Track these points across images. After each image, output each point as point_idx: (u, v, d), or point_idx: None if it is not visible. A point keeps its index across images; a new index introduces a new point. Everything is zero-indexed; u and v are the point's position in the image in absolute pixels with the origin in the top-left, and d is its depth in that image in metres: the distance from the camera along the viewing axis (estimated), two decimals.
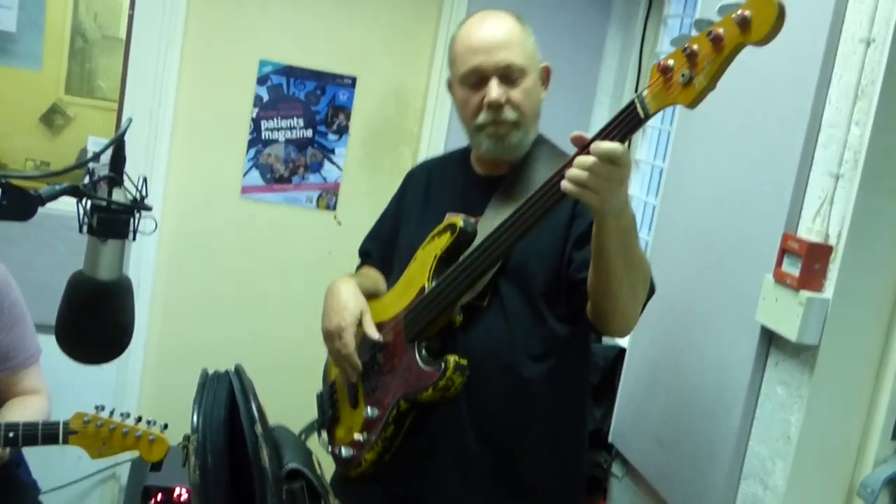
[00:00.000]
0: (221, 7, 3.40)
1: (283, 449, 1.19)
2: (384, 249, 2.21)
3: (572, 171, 1.56)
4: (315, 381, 2.26)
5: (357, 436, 1.96)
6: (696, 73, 1.41)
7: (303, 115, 3.51)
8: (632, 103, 1.53)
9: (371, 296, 2.11)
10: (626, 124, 1.55)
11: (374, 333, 1.96)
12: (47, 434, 2.13)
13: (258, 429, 1.17)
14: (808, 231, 1.88)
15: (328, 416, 2.14)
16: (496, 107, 1.89)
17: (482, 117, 1.92)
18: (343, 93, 3.53)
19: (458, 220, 1.89)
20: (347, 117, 3.55)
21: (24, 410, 2.30)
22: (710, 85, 1.41)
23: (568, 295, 1.90)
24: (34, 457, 2.53)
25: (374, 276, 2.21)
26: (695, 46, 1.40)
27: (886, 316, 1.84)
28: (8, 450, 2.16)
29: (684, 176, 2.46)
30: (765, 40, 1.35)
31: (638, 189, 3.32)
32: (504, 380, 1.90)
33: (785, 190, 1.95)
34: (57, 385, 2.70)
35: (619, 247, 1.69)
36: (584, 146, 1.57)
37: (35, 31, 3.24)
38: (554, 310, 1.92)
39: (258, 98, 3.47)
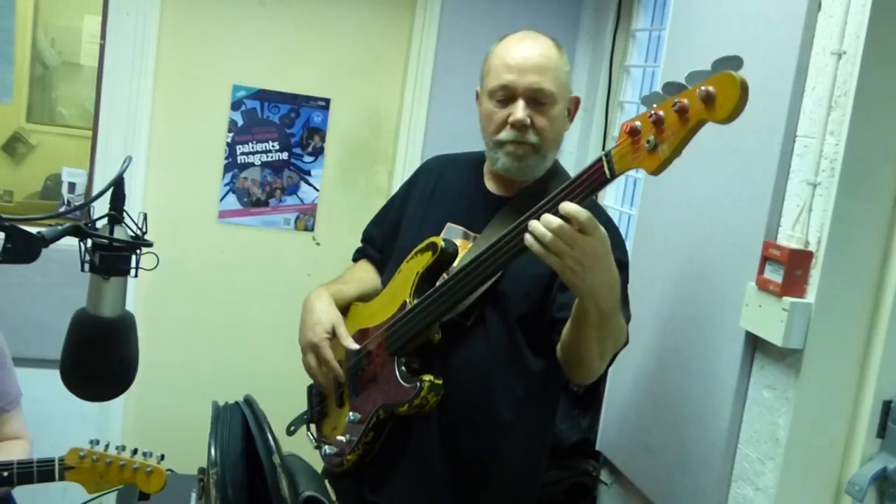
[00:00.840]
0: (193, 34, 3.41)
1: (296, 477, 1.21)
2: (386, 236, 2.22)
3: (536, 227, 1.57)
4: (297, 405, 2.28)
5: (340, 437, 2.01)
6: (660, 140, 1.43)
7: (278, 138, 3.53)
8: (599, 161, 1.55)
9: (360, 298, 2.15)
10: (591, 182, 1.57)
11: (350, 344, 2.00)
12: (43, 471, 2.13)
13: (276, 459, 1.18)
14: (789, 238, 1.93)
15: (317, 411, 2.18)
16: (520, 127, 1.89)
17: (504, 134, 1.91)
18: (317, 115, 3.55)
19: (440, 240, 1.90)
20: (322, 139, 3.57)
21: (6, 457, 2.28)
22: (674, 155, 1.43)
23: (548, 330, 1.93)
24: (18, 490, 2.52)
25: (362, 278, 2.22)
26: (661, 113, 1.42)
27: (867, 317, 1.89)
28: None
29: (662, 187, 2.51)
30: (728, 119, 1.36)
31: (613, 199, 3.37)
32: (478, 403, 1.94)
33: (763, 199, 2.01)
34: (40, 417, 2.69)
35: (596, 328, 1.72)
36: (549, 200, 1.59)
37: (5, 65, 3.22)
38: (530, 341, 1.95)
39: (233, 123, 3.48)
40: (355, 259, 2.33)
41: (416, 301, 1.89)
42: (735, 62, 1.35)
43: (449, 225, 2.04)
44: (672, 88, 1.43)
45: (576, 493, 2.88)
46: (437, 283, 1.88)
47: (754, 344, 2.05)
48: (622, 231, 3.18)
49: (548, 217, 1.56)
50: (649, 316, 2.45)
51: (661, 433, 2.40)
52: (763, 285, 1.94)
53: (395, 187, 3.51)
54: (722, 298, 2.14)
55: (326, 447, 2.05)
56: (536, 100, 1.89)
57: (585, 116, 3.47)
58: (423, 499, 1.98)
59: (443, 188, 2.13)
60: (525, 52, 1.91)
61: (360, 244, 2.34)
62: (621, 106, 3.36)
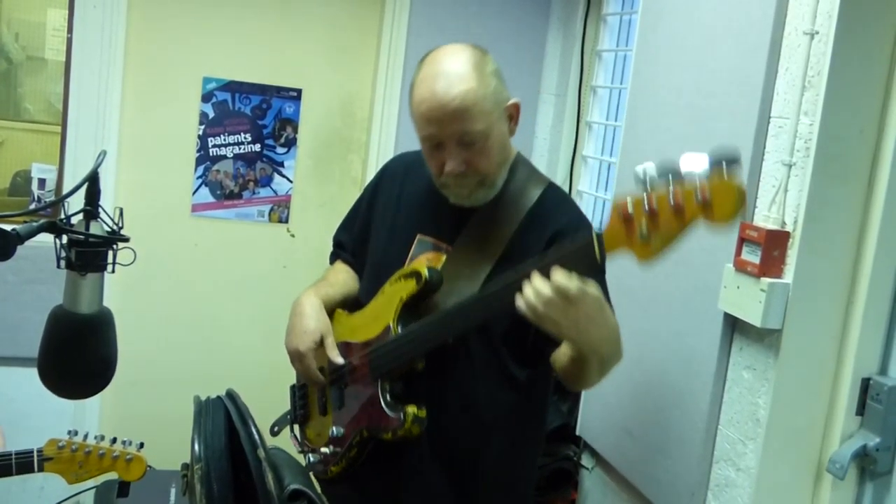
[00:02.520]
0: (162, 25, 3.37)
1: (281, 470, 1.19)
2: (355, 243, 2.19)
3: (528, 296, 1.58)
4: (276, 398, 2.27)
5: (324, 448, 1.99)
6: (653, 234, 1.43)
7: (250, 129, 3.50)
8: (590, 241, 1.55)
9: (343, 301, 2.13)
10: (581, 260, 1.57)
11: (336, 358, 1.97)
12: (21, 463, 2.10)
13: (261, 453, 1.17)
14: (765, 219, 1.94)
15: (300, 413, 2.15)
16: (456, 175, 1.83)
17: (444, 179, 1.86)
18: (289, 105, 3.52)
19: (424, 269, 1.85)
20: (295, 129, 3.55)
21: None
22: (667, 250, 1.44)
23: (533, 339, 1.87)
24: None
25: (345, 280, 2.19)
26: (655, 206, 1.42)
27: (845, 295, 1.91)
28: None
29: None
30: (727, 225, 1.37)
31: (588, 185, 3.37)
32: (465, 421, 1.93)
33: None
34: (15, 416, 2.66)
35: (598, 368, 1.78)
36: (538, 262, 1.60)
37: None
38: (515, 354, 1.93)
39: (204, 115, 3.45)
40: (332, 261, 2.30)
41: (400, 331, 1.87)
42: (733, 156, 1.34)
43: (419, 237, 1.99)
44: (666, 173, 1.41)
45: (557, 478, 2.89)
46: (423, 319, 1.85)
47: (733, 325, 2.06)
48: (598, 215, 3.21)
49: (539, 286, 1.57)
50: (628, 299, 2.45)
51: (641, 416, 2.41)
52: (741, 266, 1.95)
53: (370, 177, 3.48)
54: (700, 280, 2.15)
55: (311, 455, 2.03)
56: (465, 142, 1.80)
57: (558, 102, 3.47)
58: None
59: (408, 195, 2.08)
60: (439, 98, 1.77)
61: (332, 246, 2.31)
62: (594, 91, 3.36)
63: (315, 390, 2.09)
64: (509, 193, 1.94)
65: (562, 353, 1.83)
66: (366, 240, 2.14)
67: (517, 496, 2.07)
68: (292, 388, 2.19)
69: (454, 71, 1.80)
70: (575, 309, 1.57)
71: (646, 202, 1.42)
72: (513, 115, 1.90)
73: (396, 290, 1.90)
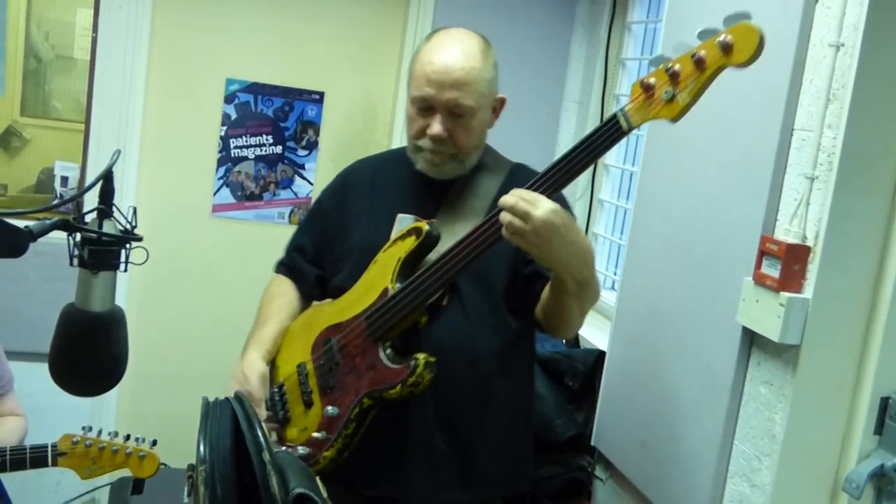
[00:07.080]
0: (186, 26, 3.39)
1: (287, 473, 1.19)
2: (318, 245, 2.22)
3: (504, 214, 1.68)
4: None
5: (315, 434, 1.97)
6: (678, 90, 1.49)
7: (271, 131, 3.51)
8: (614, 116, 1.60)
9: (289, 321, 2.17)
10: (608, 136, 1.63)
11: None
12: (35, 457, 2.12)
13: (266, 456, 1.17)
14: (786, 233, 1.91)
15: (279, 418, 2.11)
16: (437, 140, 1.95)
17: (423, 142, 1.98)
18: (311, 108, 3.53)
19: (423, 224, 1.92)
20: (316, 132, 3.56)
21: (4, 430, 2.29)
22: (693, 101, 1.49)
23: (522, 287, 2.00)
24: (12, 484, 2.51)
25: (278, 307, 2.21)
26: (677, 67, 1.48)
27: (865, 312, 1.87)
28: None
29: (658, 181, 2.49)
30: (747, 64, 1.42)
31: (609, 194, 3.36)
32: (466, 374, 1.96)
33: (761, 193, 1.99)
34: (34, 411, 2.67)
35: (575, 296, 1.83)
36: (558, 162, 1.70)
37: None
38: (509, 304, 2.01)
39: (226, 116, 3.46)
40: (278, 270, 2.32)
41: (399, 285, 1.89)
42: (746, 15, 1.42)
43: (400, 216, 2.04)
44: (683, 48, 1.49)
45: (571, 489, 2.87)
46: (421, 269, 1.88)
47: (751, 339, 2.04)
48: (619, 226, 3.19)
49: (504, 197, 1.68)
50: (645, 310, 2.44)
51: (656, 429, 2.39)
52: (760, 280, 1.93)
53: None
54: (718, 293, 2.12)
55: (299, 447, 1.99)
56: (455, 113, 1.94)
57: (581, 110, 3.46)
58: (433, 481, 1.98)
59: (381, 185, 2.15)
60: (445, 64, 1.93)
61: (289, 251, 2.31)
62: (617, 99, 3.34)
63: (297, 386, 2.07)
64: (484, 168, 2.07)
65: (545, 294, 1.92)
66: (330, 236, 2.17)
67: (516, 454, 2.10)
68: (270, 391, 2.11)
69: (465, 47, 1.96)
70: (534, 213, 1.64)
71: (667, 67, 1.49)
72: (497, 108, 2.06)
73: (393, 253, 1.95)
